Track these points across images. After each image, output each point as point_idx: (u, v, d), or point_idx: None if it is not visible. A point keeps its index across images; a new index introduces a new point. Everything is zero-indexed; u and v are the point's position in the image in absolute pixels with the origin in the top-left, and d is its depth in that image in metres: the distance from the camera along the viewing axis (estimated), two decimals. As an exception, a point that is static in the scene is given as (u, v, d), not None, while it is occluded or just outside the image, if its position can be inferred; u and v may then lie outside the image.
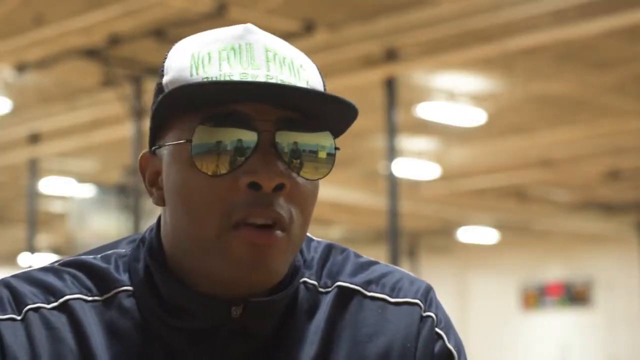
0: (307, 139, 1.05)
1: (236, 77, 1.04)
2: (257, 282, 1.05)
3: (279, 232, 1.04)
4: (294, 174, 1.05)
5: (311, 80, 1.08)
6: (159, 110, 1.06)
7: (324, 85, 1.12)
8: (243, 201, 1.03)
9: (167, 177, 1.07)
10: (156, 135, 1.10)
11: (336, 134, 1.09)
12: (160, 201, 1.10)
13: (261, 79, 1.04)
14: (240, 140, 1.03)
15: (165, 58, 1.10)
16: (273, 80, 1.04)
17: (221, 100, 1.04)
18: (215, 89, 1.03)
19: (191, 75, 1.06)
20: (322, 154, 1.06)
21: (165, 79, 1.08)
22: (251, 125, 1.03)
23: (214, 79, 1.04)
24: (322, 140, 1.06)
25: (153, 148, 1.10)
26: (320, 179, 1.07)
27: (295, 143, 1.04)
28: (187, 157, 1.04)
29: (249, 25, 1.09)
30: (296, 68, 1.07)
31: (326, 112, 1.05)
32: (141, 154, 1.13)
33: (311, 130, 1.06)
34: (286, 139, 1.04)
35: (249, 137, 1.03)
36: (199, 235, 1.05)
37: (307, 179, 1.06)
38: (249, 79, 1.04)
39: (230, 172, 1.03)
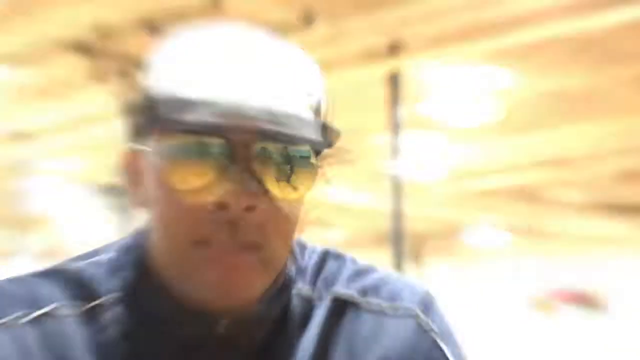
0: (286, 156, 1.01)
1: (222, 100, 0.98)
2: (226, 306, 1.02)
3: (249, 255, 1.00)
4: (269, 193, 1.00)
5: (312, 94, 1.04)
6: (139, 118, 1.03)
7: (317, 91, 1.07)
8: (209, 220, 0.99)
9: (147, 184, 1.04)
10: (139, 132, 1.05)
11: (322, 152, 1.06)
12: (140, 205, 1.07)
13: (249, 101, 0.99)
14: (213, 154, 0.99)
15: (154, 53, 1.05)
16: (260, 103, 0.99)
17: None
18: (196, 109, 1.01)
19: (179, 87, 1.00)
20: (302, 172, 1.02)
21: (152, 84, 1.02)
22: (227, 138, 0.99)
23: (201, 98, 0.98)
24: (303, 158, 1.02)
25: (135, 146, 1.06)
26: (298, 198, 1.03)
27: (272, 159, 1.00)
28: (161, 166, 1.01)
29: (246, 34, 1.04)
30: (297, 86, 1.02)
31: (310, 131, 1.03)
32: (123, 151, 1.09)
33: (291, 145, 1.01)
34: (263, 155, 1.00)
35: (223, 151, 0.99)
36: (168, 252, 1.03)
37: (284, 198, 1.01)
38: (234, 99, 0.99)
39: (201, 187, 0.99)
